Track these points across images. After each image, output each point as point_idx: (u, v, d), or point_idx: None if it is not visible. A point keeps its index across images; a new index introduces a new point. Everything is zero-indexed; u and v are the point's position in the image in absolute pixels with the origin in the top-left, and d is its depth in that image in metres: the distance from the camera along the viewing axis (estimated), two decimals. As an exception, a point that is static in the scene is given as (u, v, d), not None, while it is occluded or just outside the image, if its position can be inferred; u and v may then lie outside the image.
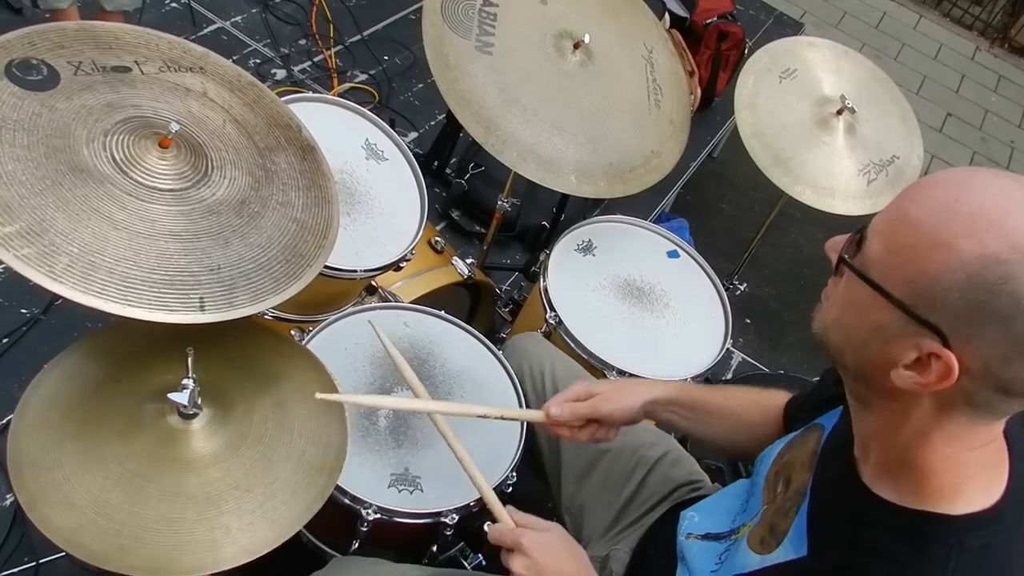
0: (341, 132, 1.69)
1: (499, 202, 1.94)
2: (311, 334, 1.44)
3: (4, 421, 1.68)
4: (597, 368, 1.62)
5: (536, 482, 1.50)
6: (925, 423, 0.79)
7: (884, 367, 0.79)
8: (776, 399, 1.22)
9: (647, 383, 1.28)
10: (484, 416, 1.21)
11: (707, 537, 1.10)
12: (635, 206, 2.36)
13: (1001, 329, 0.71)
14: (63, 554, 1.50)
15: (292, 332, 1.55)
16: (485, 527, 1.11)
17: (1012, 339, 0.71)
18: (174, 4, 2.73)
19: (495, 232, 2.05)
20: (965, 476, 0.80)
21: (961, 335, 0.72)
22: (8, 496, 1.62)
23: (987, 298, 0.70)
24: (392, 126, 1.76)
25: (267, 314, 1.56)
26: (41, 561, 1.52)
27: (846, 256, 0.81)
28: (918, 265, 0.74)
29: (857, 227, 0.83)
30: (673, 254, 1.88)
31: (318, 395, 1.10)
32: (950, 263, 0.72)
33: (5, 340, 1.81)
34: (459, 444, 1.17)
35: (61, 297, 0.91)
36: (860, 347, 0.81)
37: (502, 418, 1.25)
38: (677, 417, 1.25)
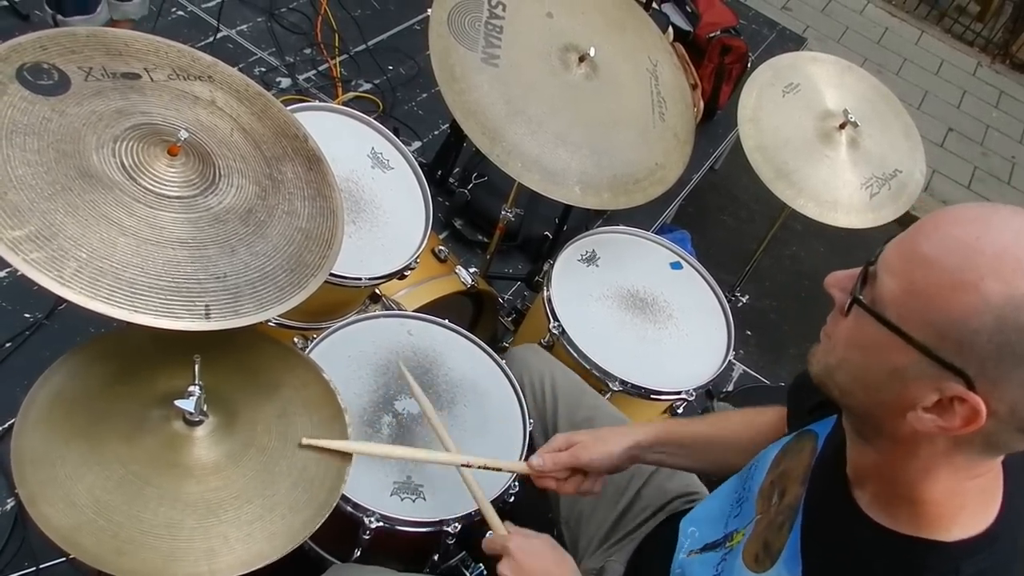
0: (347, 141, 1.70)
1: (502, 212, 1.95)
2: (315, 342, 1.44)
3: (6, 426, 1.68)
4: (599, 379, 1.62)
5: (535, 492, 1.50)
6: (933, 460, 0.78)
7: (900, 409, 0.77)
8: (770, 416, 1.21)
9: (628, 429, 1.26)
10: (467, 465, 1.21)
11: (705, 549, 1.10)
12: (637, 217, 2.37)
13: None
14: (63, 559, 1.51)
15: (296, 339, 1.55)
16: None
17: None
18: (181, 12, 2.74)
19: (498, 242, 2.05)
20: (961, 505, 0.80)
21: (988, 378, 0.70)
22: (9, 500, 1.62)
23: (1017, 341, 0.68)
24: (396, 135, 1.76)
25: (271, 321, 1.57)
26: (41, 566, 1.52)
27: (861, 297, 0.78)
28: (941, 307, 0.71)
29: (862, 261, 0.80)
30: (676, 265, 1.89)
31: (304, 440, 1.12)
32: (976, 305, 0.69)
33: (8, 344, 1.81)
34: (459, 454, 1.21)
35: (65, 301, 0.91)
36: (873, 388, 0.79)
37: (485, 467, 1.23)
38: (666, 456, 1.26)
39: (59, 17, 2.07)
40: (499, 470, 1.28)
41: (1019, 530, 0.83)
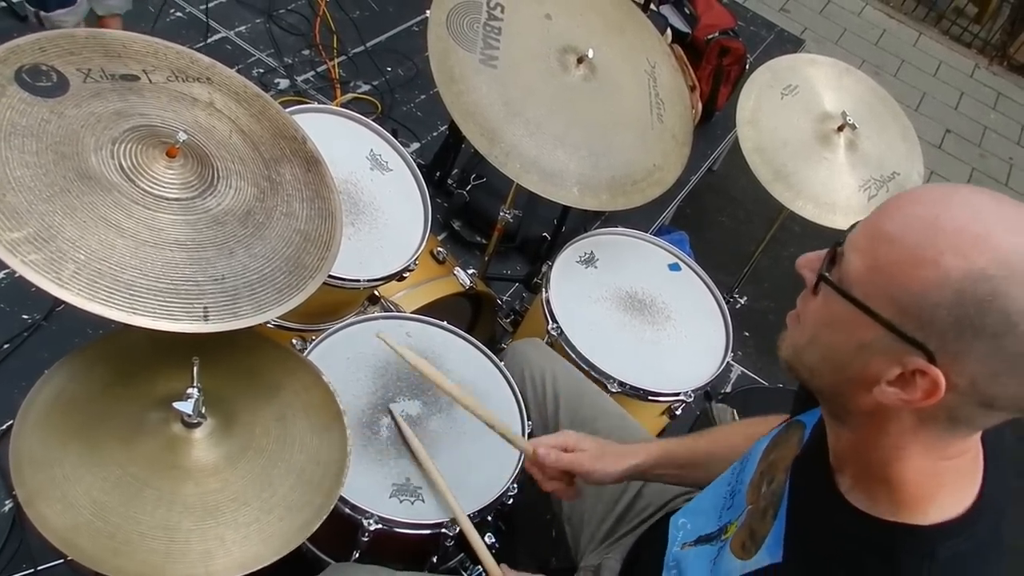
0: (346, 142, 1.70)
1: (501, 213, 1.95)
2: (313, 343, 1.44)
3: (4, 427, 1.68)
4: (598, 379, 1.62)
5: (536, 493, 1.50)
6: (903, 437, 0.80)
7: (865, 384, 0.79)
8: (770, 424, 1.21)
9: (632, 449, 1.28)
10: (487, 422, 1.28)
11: (700, 541, 1.10)
12: (635, 219, 2.37)
13: (990, 346, 0.71)
14: (61, 560, 1.50)
15: (294, 341, 1.55)
16: None
17: (1001, 355, 0.71)
18: (179, 13, 2.74)
19: (497, 243, 2.05)
20: (939, 485, 0.81)
21: (948, 352, 0.72)
22: (7, 502, 1.61)
23: (976, 315, 0.70)
24: (395, 137, 1.76)
25: (270, 323, 1.57)
26: (39, 568, 1.52)
27: (827, 274, 0.81)
28: (903, 282, 0.74)
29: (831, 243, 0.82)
30: (675, 267, 1.89)
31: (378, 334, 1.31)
32: (936, 280, 0.71)
33: (6, 346, 1.81)
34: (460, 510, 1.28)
35: (62, 303, 0.91)
36: (840, 366, 0.81)
37: (492, 427, 1.28)
38: (666, 476, 1.29)
39: (42, 14, 2.05)
40: (505, 437, 1.30)
41: (999, 513, 0.83)
